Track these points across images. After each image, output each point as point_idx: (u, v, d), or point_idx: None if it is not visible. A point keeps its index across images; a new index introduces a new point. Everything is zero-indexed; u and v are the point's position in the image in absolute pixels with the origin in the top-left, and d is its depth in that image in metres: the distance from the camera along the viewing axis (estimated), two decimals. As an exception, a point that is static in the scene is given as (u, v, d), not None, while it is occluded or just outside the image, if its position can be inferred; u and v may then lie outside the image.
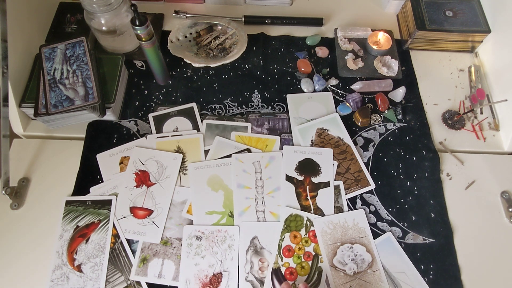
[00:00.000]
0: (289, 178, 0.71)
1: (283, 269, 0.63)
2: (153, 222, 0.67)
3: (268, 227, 0.67)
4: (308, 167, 0.72)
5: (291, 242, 0.65)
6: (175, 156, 0.73)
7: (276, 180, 0.71)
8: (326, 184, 0.70)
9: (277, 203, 0.69)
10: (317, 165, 0.72)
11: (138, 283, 0.62)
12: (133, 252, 0.65)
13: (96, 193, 0.69)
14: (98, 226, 0.66)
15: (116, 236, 0.65)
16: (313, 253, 0.65)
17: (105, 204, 0.68)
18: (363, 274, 0.63)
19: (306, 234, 0.66)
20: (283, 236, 0.65)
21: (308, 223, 0.67)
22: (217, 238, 0.65)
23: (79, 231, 0.65)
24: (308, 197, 0.69)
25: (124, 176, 0.70)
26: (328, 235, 0.66)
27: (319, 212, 0.68)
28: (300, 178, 0.71)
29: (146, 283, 0.62)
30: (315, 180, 0.71)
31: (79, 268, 0.63)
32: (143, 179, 0.70)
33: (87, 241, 0.65)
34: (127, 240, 0.65)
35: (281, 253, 0.64)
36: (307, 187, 0.70)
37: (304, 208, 0.68)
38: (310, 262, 0.64)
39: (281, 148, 0.74)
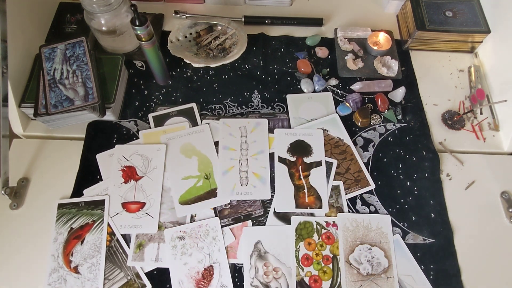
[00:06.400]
0: (281, 160, 0.72)
1: (306, 279, 0.63)
2: (147, 213, 0.67)
3: (271, 231, 0.67)
4: (299, 148, 0.74)
5: (307, 250, 0.65)
6: (158, 147, 0.73)
7: (261, 144, 0.73)
8: (318, 164, 0.72)
9: (260, 164, 0.71)
10: (308, 146, 0.74)
11: (138, 276, 0.62)
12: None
13: (89, 194, 0.69)
14: (93, 227, 0.66)
15: (111, 234, 0.65)
16: (331, 255, 0.64)
17: (98, 204, 0.68)
18: (376, 277, 0.63)
19: (319, 238, 0.66)
20: (297, 246, 0.65)
21: (318, 226, 0.67)
22: (199, 234, 0.66)
23: (74, 233, 0.65)
24: (301, 177, 0.70)
25: (111, 175, 0.71)
26: (349, 232, 0.66)
27: (312, 191, 0.68)
28: (293, 159, 0.72)
29: (145, 273, 0.63)
30: (307, 160, 0.72)
31: (76, 270, 0.63)
32: (130, 174, 0.70)
33: (82, 242, 0.65)
34: (123, 236, 0.65)
35: (300, 263, 0.64)
36: (300, 167, 0.71)
37: (298, 187, 0.69)
38: (330, 265, 0.64)
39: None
